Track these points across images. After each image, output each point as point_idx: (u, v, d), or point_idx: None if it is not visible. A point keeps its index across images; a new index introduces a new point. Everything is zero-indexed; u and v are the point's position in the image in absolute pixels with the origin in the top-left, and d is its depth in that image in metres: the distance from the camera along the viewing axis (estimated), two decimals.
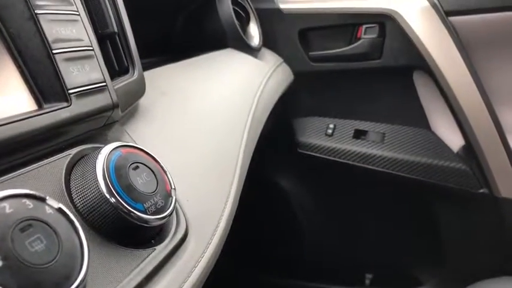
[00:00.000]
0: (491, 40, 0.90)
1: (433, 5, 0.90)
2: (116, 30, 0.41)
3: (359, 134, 1.05)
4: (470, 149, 0.93)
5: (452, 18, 0.89)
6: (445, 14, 0.89)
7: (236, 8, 0.91)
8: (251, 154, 0.59)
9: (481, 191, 0.94)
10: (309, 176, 1.15)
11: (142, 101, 0.46)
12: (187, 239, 0.33)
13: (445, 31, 0.89)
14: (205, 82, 0.62)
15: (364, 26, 0.96)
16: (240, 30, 0.87)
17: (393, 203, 1.08)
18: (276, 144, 1.09)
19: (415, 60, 0.92)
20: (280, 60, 1.02)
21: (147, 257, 0.29)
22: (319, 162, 1.07)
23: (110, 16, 0.40)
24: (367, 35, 0.96)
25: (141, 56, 0.82)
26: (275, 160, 1.15)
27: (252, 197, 1.21)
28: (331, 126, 1.07)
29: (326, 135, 1.07)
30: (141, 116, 0.43)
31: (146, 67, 0.58)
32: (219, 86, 0.64)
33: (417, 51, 0.91)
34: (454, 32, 0.89)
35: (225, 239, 0.39)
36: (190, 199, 0.36)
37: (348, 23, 0.98)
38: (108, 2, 0.41)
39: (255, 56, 0.91)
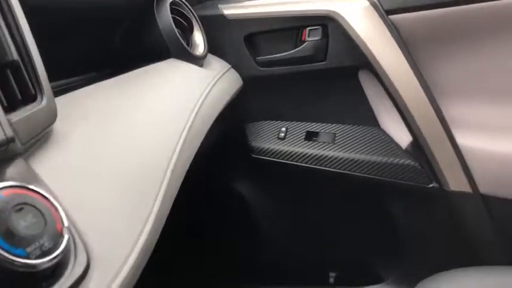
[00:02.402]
0: (432, 36, 0.91)
1: (373, 4, 0.90)
2: (15, 58, 0.39)
3: (311, 136, 1.05)
4: (418, 145, 0.94)
5: (393, 17, 0.90)
6: (385, 12, 0.90)
7: (177, 18, 0.90)
8: (184, 171, 0.58)
9: (431, 185, 0.96)
10: (265, 180, 1.15)
11: (59, 127, 0.44)
12: (87, 277, 0.31)
13: (386, 30, 0.90)
14: (137, 98, 0.61)
15: (308, 29, 0.96)
16: (181, 40, 0.86)
17: (349, 202, 1.08)
18: (229, 151, 1.09)
19: (359, 60, 0.93)
20: (228, 66, 1.01)
21: None
22: (273, 166, 1.06)
23: (8, 44, 0.38)
24: (311, 38, 0.96)
25: (79, 73, 0.80)
26: (231, 166, 1.15)
27: (211, 204, 1.21)
28: (283, 129, 1.07)
29: (279, 139, 1.06)
30: (53, 145, 0.41)
31: (77, 86, 0.56)
32: (153, 101, 0.62)
33: (360, 51, 0.92)
34: (394, 30, 0.90)
35: (140, 271, 0.38)
36: (97, 232, 0.35)
37: (292, 26, 0.98)
38: (8, 28, 0.39)
39: (200, 65, 0.90)
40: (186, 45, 0.87)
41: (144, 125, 0.55)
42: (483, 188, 0.93)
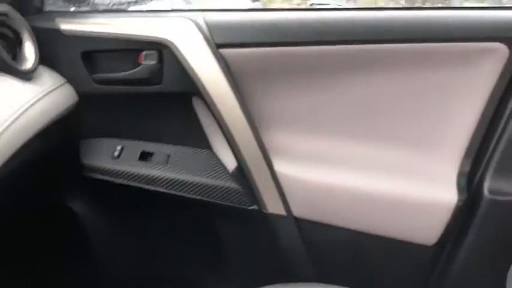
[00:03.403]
0: (258, 71, 1.01)
1: (205, 38, 0.96)
2: None
3: (146, 156, 1.08)
4: (241, 170, 1.02)
5: (223, 50, 0.97)
6: (216, 46, 0.97)
7: (2, 30, 0.87)
8: None
9: (252, 207, 1.04)
10: (100, 199, 1.14)
11: None
12: None
13: (216, 62, 0.97)
14: None
15: (144, 53, 0.99)
16: (4, 53, 0.83)
17: (180, 221, 1.13)
18: (59, 167, 1.06)
19: (191, 87, 0.98)
20: (62, 81, 0.99)
21: None
22: (108, 185, 1.06)
23: None
24: (147, 61, 1.00)
25: None
26: (62, 184, 1.12)
27: (45, 222, 1.16)
28: (118, 148, 1.08)
29: (113, 158, 1.07)
30: None
31: None
32: None
33: (191, 79, 0.97)
34: (224, 62, 0.97)
35: None
36: None
37: (130, 49, 1.00)
38: None
39: (28, 78, 0.88)
40: (8, 59, 0.84)
41: None
42: (296, 212, 1.04)
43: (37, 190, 1.06)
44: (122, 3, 1.22)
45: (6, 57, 0.85)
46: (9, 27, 0.90)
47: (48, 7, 1.07)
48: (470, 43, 0.94)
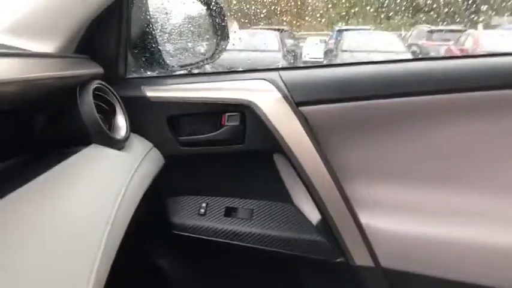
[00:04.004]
0: (337, 125, 1.03)
1: (285, 97, 1.00)
2: None
3: (230, 212, 1.11)
4: (326, 222, 1.03)
5: (302, 108, 1.01)
6: (296, 104, 1.00)
7: (99, 102, 0.93)
8: (112, 258, 0.60)
9: (338, 260, 1.04)
10: (186, 256, 1.17)
11: None
12: None
13: (296, 119, 1.00)
14: (52, 207, 0.62)
15: (227, 114, 1.04)
16: (102, 126, 0.88)
17: (265, 276, 1.14)
18: (150, 227, 1.11)
19: (273, 145, 1.01)
20: (150, 146, 1.05)
21: None
22: (194, 241, 1.10)
23: None
24: (230, 123, 1.04)
25: None
26: (152, 242, 1.16)
27: (131, 280, 1.20)
28: (204, 205, 1.12)
29: (199, 215, 1.11)
30: None
31: None
32: (68, 205, 0.64)
33: (273, 136, 1.00)
34: (304, 119, 1.00)
35: None
36: None
37: (213, 111, 1.05)
38: None
39: (122, 147, 0.93)
40: (107, 131, 0.90)
41: (58, 236, 0.57)
42: (384, 263, 1.04)
43: (130, 250, 1.11)
44: (197, 63, 1.28)
45: (105, 130, 0.91)
46: (105, 100, 0.97)
47: (130, 74, 1.13)
48: None
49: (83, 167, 0.77)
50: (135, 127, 1.03)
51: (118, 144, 0.92)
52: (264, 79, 1.02)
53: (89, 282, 0.53)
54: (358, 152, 1.05)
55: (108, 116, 0.98)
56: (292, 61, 9.01)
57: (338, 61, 8.74)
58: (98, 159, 0.83)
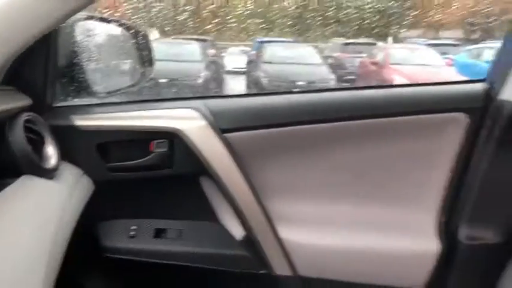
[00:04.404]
0: (259, 149, 1.14)
1: (211, 124, 1.08)
2: None
3: (159, 233, 1.17)
4: (249, 238, 1.13)
5: (227, 134, 1.10)
6: (221, 131, 1.09)
7: (29, 134, 0.95)
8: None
9: (261, 272, 1.15)
10: (119, 278, 1.21)
11: None
12: None
13: (221, 145, 1.08)
14: None
15: (155, 141, 1.10)
16: (33, 157, 0.91)
17: None
18: (80, 250, 1.13)
19: (200, 168, 1.09)
20: (80, 173, 1.08)
21: None
22: (126, 263, 1.15)
23: None
24: (158, 149, 1.10)
25: None
26: (83, 266, 1.19)
27: None
28: (134, 227, 1.17)
29: (130, 237, 1.16)
30: None
31: None
32: (4, 238, 0.67)
33: (200, 161, 1.08)
34: (228, 144, 1.09)
35: None
36: None
37: (141, 139, 1.11)
38: None
39: (53, 176, 0.96)
40: (37, 162, 0.93)
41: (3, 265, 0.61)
42: (301, 271, 1.16)
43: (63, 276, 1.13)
44: (123, 89, 1.32)
45: (36, 160, 0.93)
46: (34, 131, 0.99)
47: (59, 103, 1.15)
48: (439, 114, 1.11)
49: (16, 200, 0.80)
50: (65, 155, 1.06)
51: (49, 174, 0.95)
52: (190, 107, 1.10)
53: None
54: (277, 173, 1.17)
55: (38, 145, 1.00)
56: (214, 71, 9.12)
57: (260, 72, 9.01)
58: (30, 191, 0.86)
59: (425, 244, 1.16)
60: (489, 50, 9.43)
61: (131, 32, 1.28)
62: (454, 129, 1.11)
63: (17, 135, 0.90)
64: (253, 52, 11.08)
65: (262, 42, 11.48)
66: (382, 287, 1.18)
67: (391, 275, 1.18)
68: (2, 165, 0.89)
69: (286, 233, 1.15)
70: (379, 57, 9.99)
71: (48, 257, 0.71)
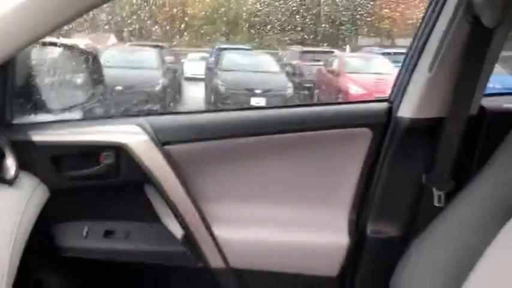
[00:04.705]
0: (195, 159, 1.32)
1: (152, 138, 1.25)
2: None
3: (108, 233, 1.34)
4: (188, 236, 1.31)
5: (167, 147, 1.27)
6: (162, 144, 1.27)
7: None
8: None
9: (199, 265, 1.33)
10: (73, 276, 1.37)
11: None
12: None
13: (162, 156, 1.26)
14: None
15: (104, 153, 1.26)
16: None
17: (141, 285, 1.39)
18: (36, 251, 1.28)
19: (144, 177, 1.26)
20: (37, 181, 1.22)
21: None
22: (80, 262, 1.30)
23: None
24: (106, 160, 1.26)
25: None
26: (38, 265, 1.33)
27: None
28: (85, 229, 1.33)
29: (82, 238, 1.32)
30: None
31: None
32: None
33: (143, 171, 1.25)
34: (168, 156, 1.27)
35: None
36: None
37: (91, 152, 1.27)
38: None
39: (11, 185, 1.10)
40: None
41: None
42: (233, 264, 1.35)
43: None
44: (74, 107, 1.48)
45: None
46: None
47: (17, 120, 1.29)
48: (349, 129, 1.33)
49: None
50: (23, 166, 1.19)
51: (8, 183, 1.09)
52: (134, 124, 1.27)
53: None
54: (213, 180, 1.36)
55: None
56: (172, 78, 9.13)
57: (218, 79, 9.12)
58: None
59: (339, 238, 1.38)
60: None
61: (84, 56, 1.44)
62: (362, 141, 1.34)
63: None
64: (212, 59, 11.17)
65: (221, 49, 11.60)
66: (302, 275, 1.39)
67: (310, 265, 1.39)
68: None
69: (220, 231, 1.34)
70: (335, 65, 10.30)
71: (8, 255, 0.86)
